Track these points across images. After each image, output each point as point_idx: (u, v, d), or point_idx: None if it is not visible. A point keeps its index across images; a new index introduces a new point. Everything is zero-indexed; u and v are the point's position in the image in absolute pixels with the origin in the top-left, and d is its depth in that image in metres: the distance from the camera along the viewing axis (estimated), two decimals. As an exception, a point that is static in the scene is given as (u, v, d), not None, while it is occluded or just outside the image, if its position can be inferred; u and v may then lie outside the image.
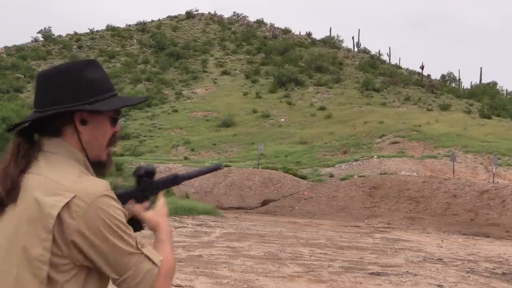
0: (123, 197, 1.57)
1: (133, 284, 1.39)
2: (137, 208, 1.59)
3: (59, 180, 1.36)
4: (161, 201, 1.62)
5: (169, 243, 1.53)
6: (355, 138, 38.00)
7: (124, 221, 1.39)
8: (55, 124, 1.45)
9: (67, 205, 1.32)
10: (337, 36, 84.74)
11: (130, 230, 1.40)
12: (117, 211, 1.38)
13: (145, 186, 1.64)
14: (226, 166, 26.72)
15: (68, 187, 1.34)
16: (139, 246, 1.40)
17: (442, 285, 7.85)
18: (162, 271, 1.43)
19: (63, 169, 1.40)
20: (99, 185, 1.38)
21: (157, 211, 1.59)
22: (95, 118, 1.47)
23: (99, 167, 1.50)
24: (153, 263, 1.41)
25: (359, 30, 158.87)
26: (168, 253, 1.50)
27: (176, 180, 1.71)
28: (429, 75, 71.71)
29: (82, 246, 1.34)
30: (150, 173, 1.66)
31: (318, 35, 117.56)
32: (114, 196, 1.39)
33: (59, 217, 1.32)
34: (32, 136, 1.46)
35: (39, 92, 1.47)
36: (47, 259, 1.32)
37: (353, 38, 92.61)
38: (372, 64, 70.03)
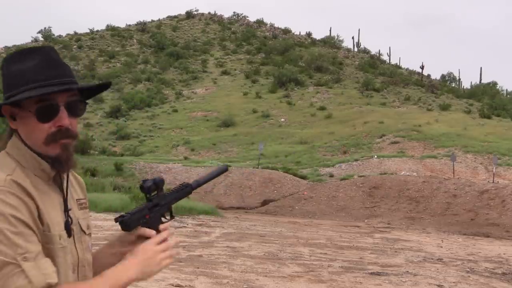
0: (135, 219, 1.42)
1: None
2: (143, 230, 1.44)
3: None
4: (153, 244, 1.42)
5: (105, 283, 1.30)
6: (355, 138, 37.99)
7: (13, 222, 1.21)
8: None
9: None
10: (337, 36, 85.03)
11: (17, 235, 1.20)
12: (5, 209, 1.21)
13: (157, 201, 1.48)
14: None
15: None
16: (19, 258, 1.19)
17: (442, 285, 7.85)
18: None
19: None
20: None
21: (140, 250, 1.40)
22: (20, 113, 1.33)
23: (55, 164, 1.35)
24: (30, 281, 1.19)
25: (359, 30, 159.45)
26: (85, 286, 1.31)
27: (188, 190, 1.58)
28: (429, 75, 71.87)
29: None
30: (159, 185, 1.48)
31: (318, 35, 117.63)
32: (11, 189, 1.24)
33: None
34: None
35: None
36: None
37: (353, 38, 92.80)
38: (372, 64, 70.08)
